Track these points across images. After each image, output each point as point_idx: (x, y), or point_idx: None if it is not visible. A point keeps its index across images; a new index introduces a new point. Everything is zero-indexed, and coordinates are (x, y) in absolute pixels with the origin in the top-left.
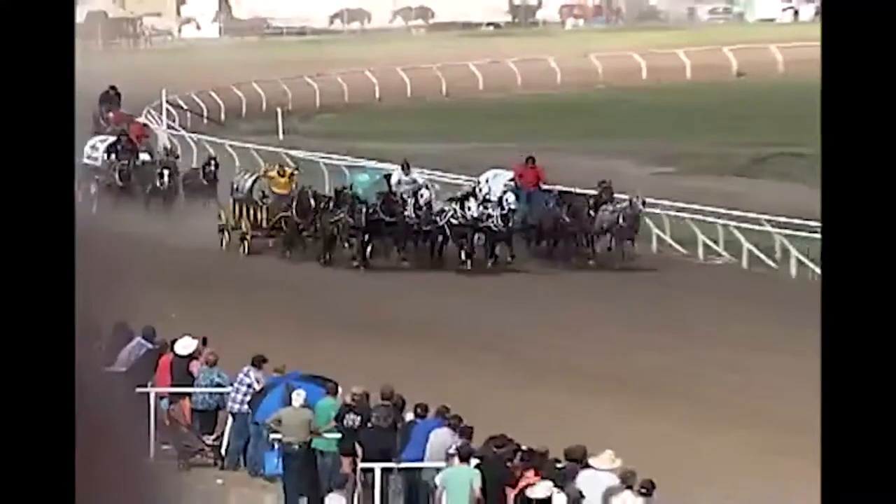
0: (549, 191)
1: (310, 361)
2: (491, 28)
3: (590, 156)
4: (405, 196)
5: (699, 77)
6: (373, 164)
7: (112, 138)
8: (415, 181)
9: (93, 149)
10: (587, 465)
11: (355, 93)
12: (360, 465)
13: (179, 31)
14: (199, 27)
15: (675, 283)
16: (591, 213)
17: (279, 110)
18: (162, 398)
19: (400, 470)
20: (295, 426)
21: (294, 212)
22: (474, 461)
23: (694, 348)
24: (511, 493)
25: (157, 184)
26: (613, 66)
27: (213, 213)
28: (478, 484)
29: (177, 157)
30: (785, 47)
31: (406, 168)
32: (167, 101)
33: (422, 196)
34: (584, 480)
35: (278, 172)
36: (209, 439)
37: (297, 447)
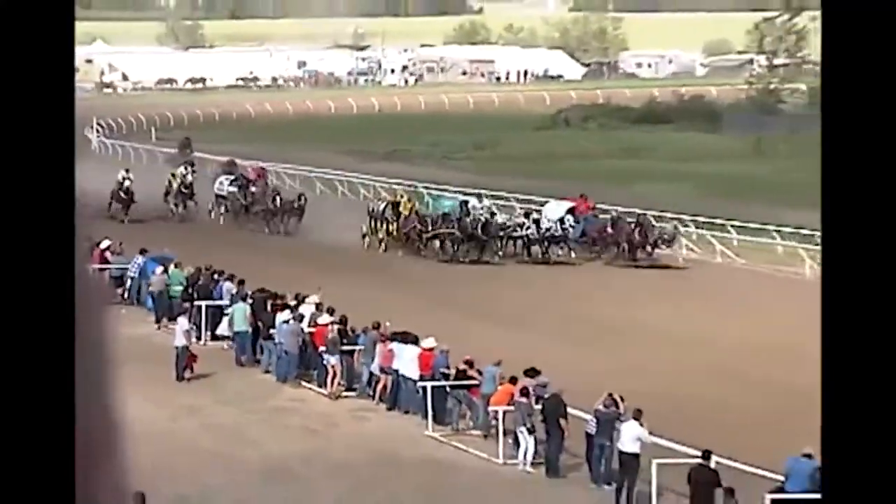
0: (596, 215)
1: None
2: (257, 88)
3: (323, 153)
4: (486, 216)
5: (361, 112)
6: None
7: (234, 176)
8: (483, 206)
9: (220, 184)
10: (304, 303)
11: (190, 118)
12: (196, 303)
13: (102, 87)
14: (112, 86)
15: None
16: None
17: (152, 128)
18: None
19: (214, 306)
20: (159, 283)
21: (419, 225)
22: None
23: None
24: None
25: (264, 207)
26: (319, 105)
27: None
28: (248, 312)
29: (277, 192)
30: (401, 97)
31: (479, 197)
32: (97, 122)
33: (496, 217)
34: (304, 308)
35: (406, 199)
36: (118, 292)
37: (160, 293)
